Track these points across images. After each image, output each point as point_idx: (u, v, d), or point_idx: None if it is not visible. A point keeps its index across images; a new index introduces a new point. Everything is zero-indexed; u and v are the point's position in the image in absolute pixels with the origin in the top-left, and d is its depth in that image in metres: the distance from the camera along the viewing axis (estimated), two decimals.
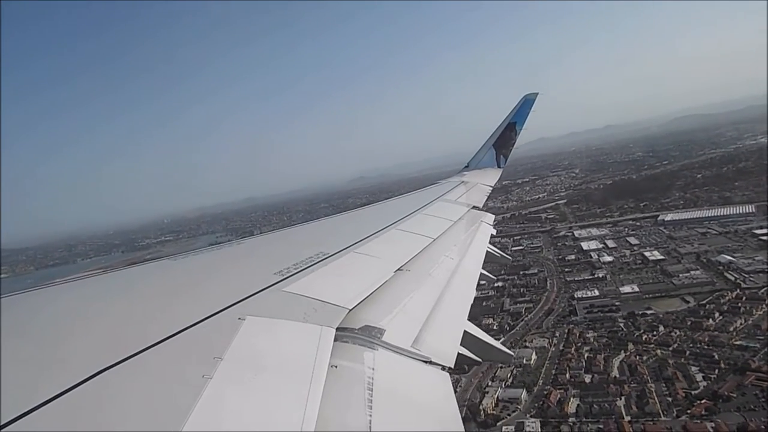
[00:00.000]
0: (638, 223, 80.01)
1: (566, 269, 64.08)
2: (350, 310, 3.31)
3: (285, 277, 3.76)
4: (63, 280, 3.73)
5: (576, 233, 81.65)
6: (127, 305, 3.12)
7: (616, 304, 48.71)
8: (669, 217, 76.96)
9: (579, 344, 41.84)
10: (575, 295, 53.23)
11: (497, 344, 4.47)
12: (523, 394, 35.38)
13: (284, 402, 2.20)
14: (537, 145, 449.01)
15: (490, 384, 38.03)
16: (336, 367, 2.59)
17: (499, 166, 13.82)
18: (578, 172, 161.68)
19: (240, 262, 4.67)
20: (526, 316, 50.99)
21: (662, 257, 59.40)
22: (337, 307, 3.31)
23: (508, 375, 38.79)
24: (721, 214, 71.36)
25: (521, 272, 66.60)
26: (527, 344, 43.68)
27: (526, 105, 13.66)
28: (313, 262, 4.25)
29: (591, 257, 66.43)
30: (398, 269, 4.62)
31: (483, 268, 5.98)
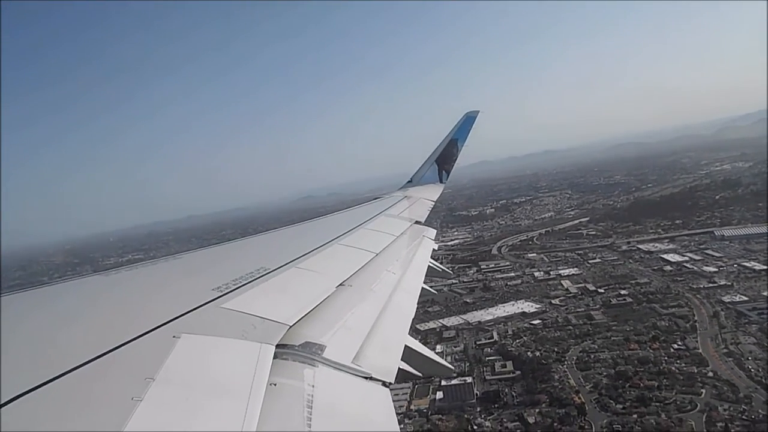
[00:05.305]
0: (695, 239, 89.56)
1: (677, 278, 71.14)
2: (290, 327, 3.30)
3: (224, 293, 3.71)
4: None
5: (642, 247, 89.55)
6: (54, 323, 3.03)
7: None
8: (728, 232, 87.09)
9: None
10: (723, 300, 60.10)
11: (438, 358, 4.71)
12: None
13: (219, 423, 2.15)
14: (480, 167, 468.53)
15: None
16: (275, 384, 2.55)
17: (441, 182, 14.05)
18: (571, 193, 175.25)
19: (177, 277, 4.59)
20: (693, 318, 57.36)
21: (765, 267, 68.25)
22: (277, 323, 3.28)
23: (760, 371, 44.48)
24: None
25: (632, 281, 73.37)
26: (738, 343, 49.80)
27: (467, 122, 14.09)
28: (253, 278, 4.23)
29: (689, 267, 73.99)
30: (340, 284, 4.65)
31: (432, 282, 6.31)
